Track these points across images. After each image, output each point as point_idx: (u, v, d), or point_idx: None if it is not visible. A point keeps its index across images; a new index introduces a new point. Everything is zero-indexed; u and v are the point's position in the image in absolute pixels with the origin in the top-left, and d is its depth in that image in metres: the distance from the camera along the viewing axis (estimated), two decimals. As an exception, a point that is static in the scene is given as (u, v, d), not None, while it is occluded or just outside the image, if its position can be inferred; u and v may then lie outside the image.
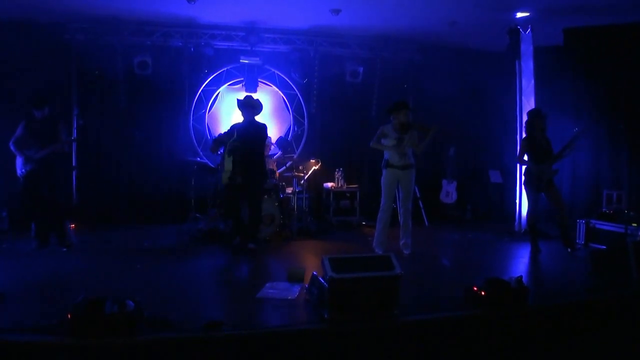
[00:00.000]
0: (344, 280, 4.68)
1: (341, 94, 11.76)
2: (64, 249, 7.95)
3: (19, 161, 7.80)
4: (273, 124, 11.74)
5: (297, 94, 11.79)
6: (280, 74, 11.64)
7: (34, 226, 8.06)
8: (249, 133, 8.12)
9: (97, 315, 4.18)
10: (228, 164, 8.01)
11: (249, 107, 8.31)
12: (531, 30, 9.87)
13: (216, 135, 8.59)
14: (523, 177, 8.47)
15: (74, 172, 10.76)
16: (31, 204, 7.89)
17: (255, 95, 10.94)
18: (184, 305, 5.35)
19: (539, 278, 6.94)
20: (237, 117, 8.78)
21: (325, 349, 4.55)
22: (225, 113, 11.26)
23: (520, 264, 7.99)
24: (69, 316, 4.19)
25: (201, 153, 11.01)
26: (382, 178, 7.97)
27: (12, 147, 7.76)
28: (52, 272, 6.64)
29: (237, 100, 8.48)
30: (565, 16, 9.32)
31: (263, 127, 8.36)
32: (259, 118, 8.49)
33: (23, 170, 7.77)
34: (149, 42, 10.52)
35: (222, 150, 8.32)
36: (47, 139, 7.75)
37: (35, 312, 4.84)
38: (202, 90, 11.31)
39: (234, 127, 8.32)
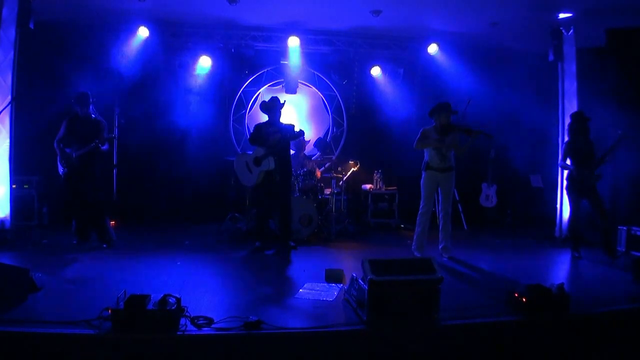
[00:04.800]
0: (384, 282, 4.65)
1: (381, 95, 11.73)
2: (104, 245, 8.07)
3: (60, 159, 7.93)
4: (312, 124, 11.80)
5: (336, 95, 11.82)
6: (320, 75, 11.69)
7: (75, 222, 8.20)
8: (284, 135, 8.25)
9: (138, 311, 4.24)
10: (266, 164, 8.10)
11: (271, 109, 8.41)
12: (574, 31, 9.72)
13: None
14: (565, 182, 8.33)
15: (114, 170, 10.92)
16: (72, 201, 8.01)
17: (293, 96, 11.05)
18: (224, 303, 5.40)
19: (580, 285, 6.79)
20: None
21: (363, 351, 4.53)
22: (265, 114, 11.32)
23: (561, 270, 7.86)
24: (110, 311, 4.27)
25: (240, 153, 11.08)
26: (421, 180, 7.91)
27: (55, 146, 7.89)
28: (92, 268, 6.75)
29: (260, 104, 8.66)
30: (608, 17, 9.18)
31: (291, 127, 8.45)
32: (296, 118, 8.54)
33: (64, 168, 7.90)
34: (190, 43, 10.65)
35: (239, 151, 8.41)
36: (88, 137, 7.86)
37: (75, 306, 4.93)
38: (242, 91, 11.42)
39: (261, 127, 8.42)
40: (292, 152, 10.08)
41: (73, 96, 8.00)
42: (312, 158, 10.68)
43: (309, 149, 10.90)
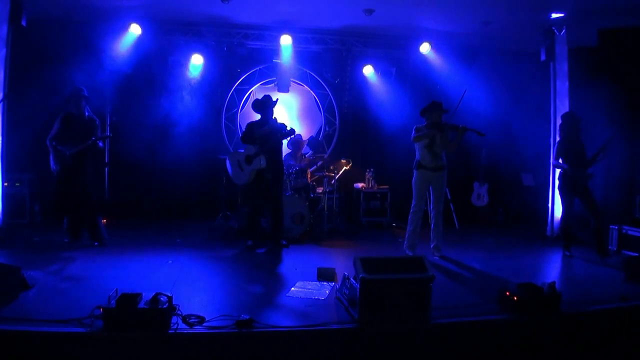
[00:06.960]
0: (375, 281, 4.66)
1: (373, 93, 11.73)
2: (96, 244, 8.05)
3: (53, 156, 7.90)
4: (304, 123, 11.79)
5: (328, 94, 11.81)
6: (312, 73, 11.68)
7: (67, 221, 8.17)
8: (273, 131, 8.24)
9: (130, 310, 4.24)
10: (257, 163, 8.11)
11: (264, 107, 8.40)
12: (566, 31, 9.73)
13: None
14: (558, 181, 8.36)
15: (106, 169, 10.88)
16: (64, 199, 7.97)
17: (285, 95, 11.03)
18: (215, 301, 5.39)
19: (571, 284, 6.83)
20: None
21: (355, 349, 4.54)
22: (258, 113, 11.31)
23: (552, 269, 7.90)
24: (101, 310, 4.27)
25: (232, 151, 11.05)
26: (413, 179, 7.92)
27: (48, 144, 7.86)
28: (84, 266, 6.74)
29: (253, 102, 8.64)
30: (600, 17, 9.18)
31: (283, 126, 8.45)
32: (287, 117, 8.52)
33: (57, 166, 7.86)
34: (182, 41, 10.60)
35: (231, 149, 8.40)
36: (81, 135, 7.84)
37: (66, 304, 4.92)
38: (234, 90, 11.40)
39: (253, 126, 8.41)
40: (289, 150, 10.10)
41: (66, 95, 7.98)
42: (305, 156, 10.68)
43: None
